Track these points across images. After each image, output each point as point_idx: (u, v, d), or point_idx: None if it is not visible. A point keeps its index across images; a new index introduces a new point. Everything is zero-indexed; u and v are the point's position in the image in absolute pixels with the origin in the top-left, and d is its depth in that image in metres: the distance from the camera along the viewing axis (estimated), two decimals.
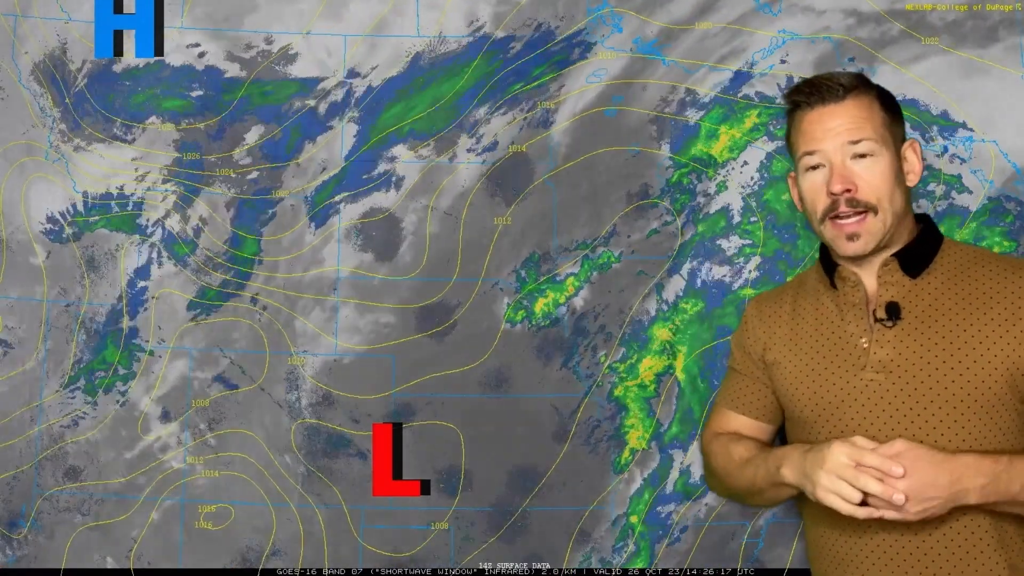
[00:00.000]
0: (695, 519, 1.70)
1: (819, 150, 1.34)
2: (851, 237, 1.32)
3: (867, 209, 1.31)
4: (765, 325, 1.48)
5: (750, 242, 1.69)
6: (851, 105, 1.34)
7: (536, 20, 1.73)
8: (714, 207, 1.71)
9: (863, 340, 1.34)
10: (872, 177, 1.31)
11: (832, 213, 1.33)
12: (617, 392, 1.71)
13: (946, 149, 1.66)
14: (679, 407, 1.70)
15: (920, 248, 1.36)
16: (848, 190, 1.31)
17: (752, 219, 1.70)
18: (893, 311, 1.33)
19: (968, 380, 1.27)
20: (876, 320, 1.34)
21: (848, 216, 1.32)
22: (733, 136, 1.70)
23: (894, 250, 1.36)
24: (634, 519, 1.70)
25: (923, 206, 1.66)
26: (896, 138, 1.36)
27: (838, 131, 1.33)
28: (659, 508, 1.70)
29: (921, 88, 1.68)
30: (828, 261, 1.42)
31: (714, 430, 1.54)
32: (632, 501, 1.70)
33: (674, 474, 1.69)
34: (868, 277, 1.37)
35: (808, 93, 1.37)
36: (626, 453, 1.70)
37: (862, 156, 1.32)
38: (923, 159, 1.39)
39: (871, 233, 1.32)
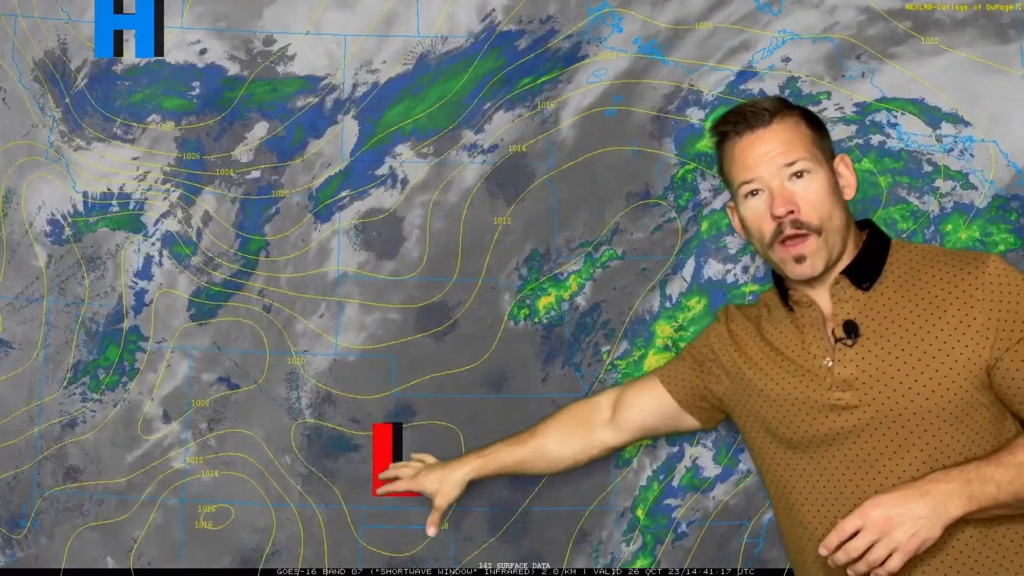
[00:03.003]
0: (695, 519, 1.69)
1: (756, 177, 1.36)
2: (799, 259, 1.33)
3: (810, 231, 1.32)
4: (735, 343, 1.48)
5: None
6: (778, 128, 1.36)
7: (537, 21, 1.73)
8: (716, 205, 1.71)
9: (826, 360, 1.34)
10: (811, 196, 1.33)
11: (780, 237, 1.34)
12: None
13: (947, 149, 1.66)
14: None
15: (868, 259, 1.37)
16: (791, 211, 1.32)
17: None
18: (851, 329, 1.33)
19: (932, 390, 1.26)
20: (836, 340, 1.34)
21: (794, 238, 1.33)
22: None
23: (843, 266, 1.36)
24: (637, 516, 1.70)
25: (927, 203, 1.66)
26: (826, 154, 1.39)
27: (771, 155, 1.35)
28: (660, 508, 1.70)
29: (921, 88, 1.67)
30: (781, 284, 1.43)
31: (607, 394, 1.60)
32: (633, 500, 1.70)
33: (680, 469, 1.69)
34: (821, 296, 1.38)
35: (735, 122, 1.39)
36: (629, 447, 1.70)
37: (799, 176, 1.34)
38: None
39: (816, 254, 1.33)
